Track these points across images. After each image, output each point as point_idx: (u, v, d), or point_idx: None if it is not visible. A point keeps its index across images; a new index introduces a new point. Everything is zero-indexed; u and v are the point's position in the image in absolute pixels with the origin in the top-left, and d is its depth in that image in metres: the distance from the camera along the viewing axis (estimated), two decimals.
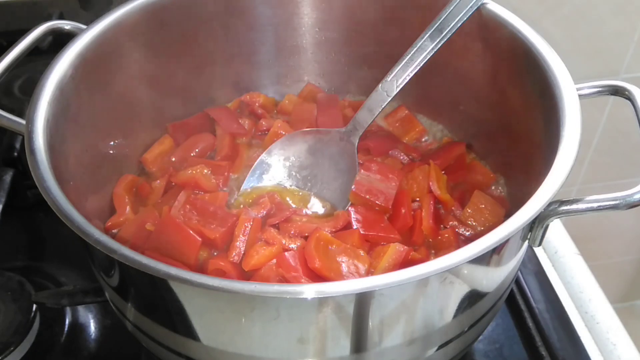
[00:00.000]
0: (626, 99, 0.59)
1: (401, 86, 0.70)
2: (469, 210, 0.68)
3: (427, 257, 0.64)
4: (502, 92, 0.70)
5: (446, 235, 0.66)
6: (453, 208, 0.70)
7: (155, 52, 0.73)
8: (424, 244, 0.66)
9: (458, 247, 0.64)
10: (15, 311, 0.67)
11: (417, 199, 0.70)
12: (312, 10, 0.79)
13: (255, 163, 0.74)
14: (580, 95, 0.58)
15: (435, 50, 0.67)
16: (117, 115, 0.71)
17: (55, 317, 0.71)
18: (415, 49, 0.68)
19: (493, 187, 0.73)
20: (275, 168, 0.74)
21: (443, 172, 0.73)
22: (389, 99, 0.70)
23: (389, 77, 0.70)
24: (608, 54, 1.31)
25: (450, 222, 0.68)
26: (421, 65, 0.68)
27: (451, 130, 0.80)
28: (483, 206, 0.68)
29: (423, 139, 0.80)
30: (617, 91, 0.60)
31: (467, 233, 0.68)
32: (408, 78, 0.69)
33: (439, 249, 0.66)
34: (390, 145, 0.77)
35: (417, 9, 0.73)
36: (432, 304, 0.50)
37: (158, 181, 0.72)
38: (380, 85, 0.71)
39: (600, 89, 0.61)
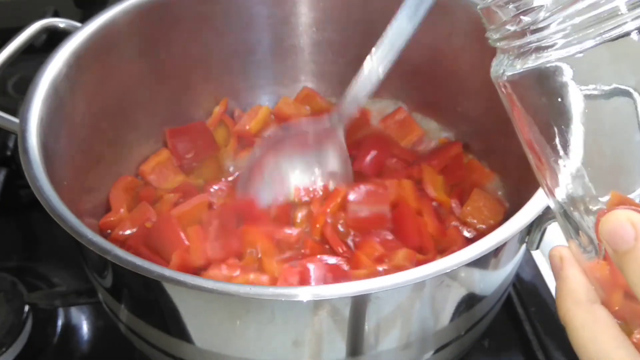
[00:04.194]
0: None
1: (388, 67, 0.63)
2: (468, 208, 0.68)
3: (434, 258, 0.64)
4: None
5: (451, 233, 0.67)
6: (453, 206, 0.70)
7: (150, 52, 0.72)
8: (434, 248, 0.66)
9: (463, 242, 0.65)
10: (8, 312, 0.67)
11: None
12: (309, 10, 0.79)
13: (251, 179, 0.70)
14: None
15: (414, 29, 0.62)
16: (112, 115, 0.70)
17: (47, 318, 0.71)
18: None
19: (492, 187, 0.73)
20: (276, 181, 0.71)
21: (439, 172, 0.73)
22: (377, 82, 0.64)
23: (374, 56, 0.63)
24: None
25: (453, 223, 0.68)
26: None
27: (449, 131, 0.80)
28: (482, 204, 0.68)
29: (421, 143, 0.80)
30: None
31: (468, 234, 0.68)
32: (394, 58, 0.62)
33: (445, 248, 0.66)
34: (385, 154, 0.76)
35: None
36: (428, 308, 0.49)
37: (172, 195, 0.71)
38: (365, 63, 0.64)
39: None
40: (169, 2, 0.71)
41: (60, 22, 0.68)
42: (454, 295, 0.50)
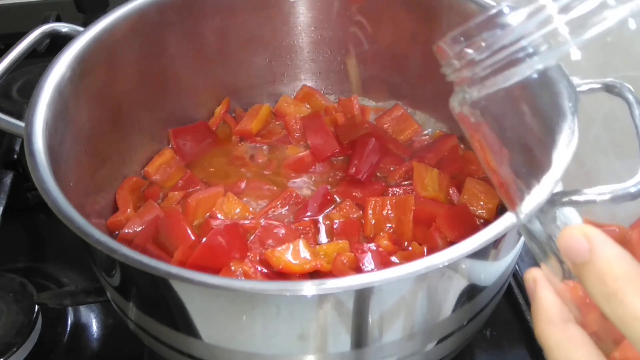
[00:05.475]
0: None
1: None
2: (465, 197, 0.70)
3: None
4: None
5: None
6: (451, 196, 0.71)
7: (152, 54, 0.73)
8: None
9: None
10: (18, 312, 0.68)
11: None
12: (307, 10, 0.79)
13: None
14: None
15: None
16: (116, 117, 0.71)
17: (57, 317, 0.72)
18: None
19: (489, 177, 0.73)
20: None
21: (435, 165, 0.74)
22: None
23: None
24: None
25: None
26: None
27: (446, 125, 0.81)
28: (477, 190, 0.70)
29: (418, 137, 0.81)
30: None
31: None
32: None
33: None
34: (381, 153, 0.76)
35: (411, 7, 0.73)
36: (431, 299, 0.50)
37: (177, 193, 0.73)
38: None
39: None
40: (169, 5, 0.72)
41: (63, 27, 0.69)
42: (456, 287, 0.51)
